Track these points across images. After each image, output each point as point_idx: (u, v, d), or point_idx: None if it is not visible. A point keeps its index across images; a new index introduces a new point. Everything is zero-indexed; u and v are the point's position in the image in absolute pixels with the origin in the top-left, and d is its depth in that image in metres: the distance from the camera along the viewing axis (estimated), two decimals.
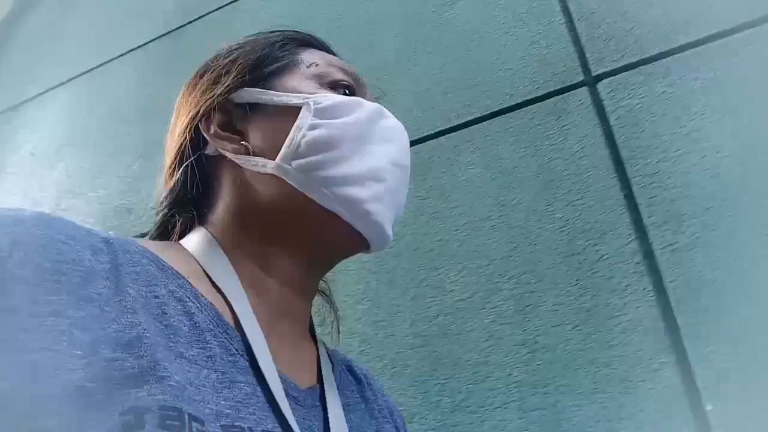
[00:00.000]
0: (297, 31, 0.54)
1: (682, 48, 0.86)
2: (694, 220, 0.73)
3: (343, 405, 0.46)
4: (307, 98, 0.46)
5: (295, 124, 0.46)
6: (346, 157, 0.46)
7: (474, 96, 1.01)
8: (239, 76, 0.49)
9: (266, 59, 0.49)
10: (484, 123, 0.96)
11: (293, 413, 0.39)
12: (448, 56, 1.08)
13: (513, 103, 0.95)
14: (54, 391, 0.29)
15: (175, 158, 0.51)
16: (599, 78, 0.91)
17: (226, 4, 1.56)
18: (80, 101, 1.73)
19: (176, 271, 0.41)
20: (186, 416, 0.32)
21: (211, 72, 0.50)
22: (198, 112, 0.49)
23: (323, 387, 0.47)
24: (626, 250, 0.75)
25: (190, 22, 1.63)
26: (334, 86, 0.49)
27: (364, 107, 0.48)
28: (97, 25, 1.93)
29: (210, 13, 1.59)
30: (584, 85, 0.92)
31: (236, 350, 0.40)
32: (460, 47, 1.08)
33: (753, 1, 0.83)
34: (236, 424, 0.35)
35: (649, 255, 0.74)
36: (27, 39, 2.19)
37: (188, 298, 0.40)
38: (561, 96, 0.92)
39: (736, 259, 0.69)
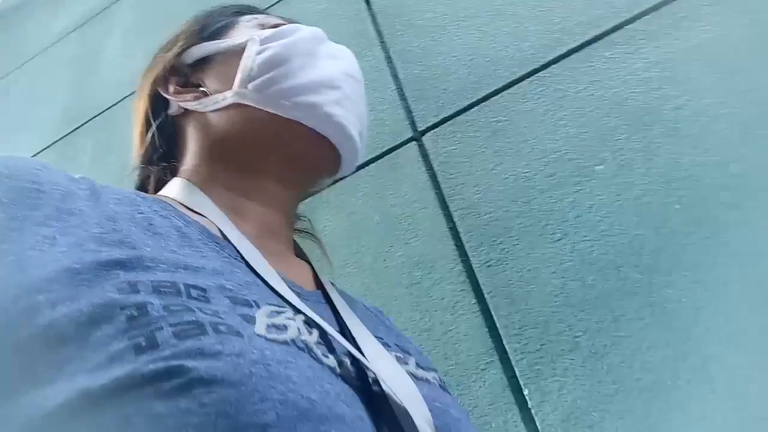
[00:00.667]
0: (234, 4, 0.59)
1: (482, 99, 1.02)
2: (503, 238, 0.86)
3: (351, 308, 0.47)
4: (251, 35, 0.50)
5: (244, 55, 0.49)
6: (298, 69, 0.48)
7: None
8: (187, 40, 0.53)
9: (209, 22, 0.54)
10: (335, 185, 1.07)
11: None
12: None
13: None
14: (42, 274, 0.29)
15: (143, 125, 0.54)
16: (424, 132, 1.05)
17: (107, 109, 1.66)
18: None
19: (158, 198, 0.43)
20: (182, 285, 0.32)
21: (164, 45, 0.55)
22: (155, 77, 0.53)
23: (326, 293, 0.48)
24: (453, 273, 0.87)
25: (76, 129, 1.71)
26: (275, 27, 0.53)
27: (305, 29, 0.52)
28: None
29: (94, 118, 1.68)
30: (413, 140, 1.06)
31: (229, 255, 0.40)
32: None
33: (531, 55, 1.01)
34: (242, 294, 0.35)
35: (470, 273, 0.86)
36: None
37: (173, 216, 0.40)
38: (395, 152, 1.06)
39: (535, 264, 0.82)
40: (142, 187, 0.56)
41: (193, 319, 0.30)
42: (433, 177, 0.99)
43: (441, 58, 1.10)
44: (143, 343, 0.27)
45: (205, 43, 0.52)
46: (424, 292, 0.88)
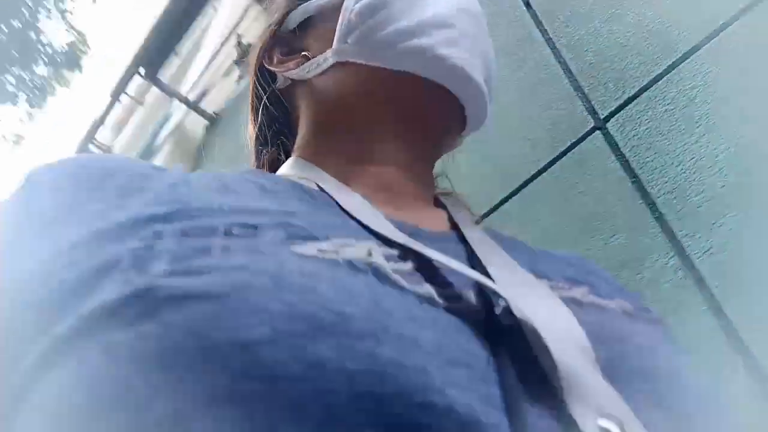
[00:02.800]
0: None
1: (668, 69, 0.88)
2: (723, 219, 0.72)
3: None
4: None
5: (342, 7, 0.44)
6: (400, 12, 0.42)
7: (503, 174, 1.08)
8: (287, 4, 0.49)
9: None
10: (514, 198, 1.02)
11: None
12: (471, 144, 1.18)
13: (537, 169, 1.01)
14: (69, 242, 0.27)
15: (252, 103, 0.52)
16: (607, 118, 0.95)
17: None
18: None
19: (253, 169, 0.40)
20: (221, 226, 0.28)
21: (270, 13, 0.52)
22: (258, 51, 0.50)
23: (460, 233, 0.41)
24: (668, 269, 0.75)
25: None
26: None
27: None
28: None
29: None
30: (596, 130, 0.96)
31: (322, 203, 0.36)
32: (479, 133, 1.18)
33: (718, 9, 0.85)
34: (310, 230, 0.30)
35: (689, 266, 0.73)
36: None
37: (261, 178, 0.37)
38: (578, 147, 0.97)
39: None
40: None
41: (204, 245, 0.26)
42: (626, 165, 0.88)
43: (613, 39, 0.99)
44: (131, 276, 0.24)
45: (304, 4, 0.48)
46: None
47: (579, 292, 0.37)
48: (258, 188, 0.35)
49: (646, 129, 0.88)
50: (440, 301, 0.28)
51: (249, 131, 0.52)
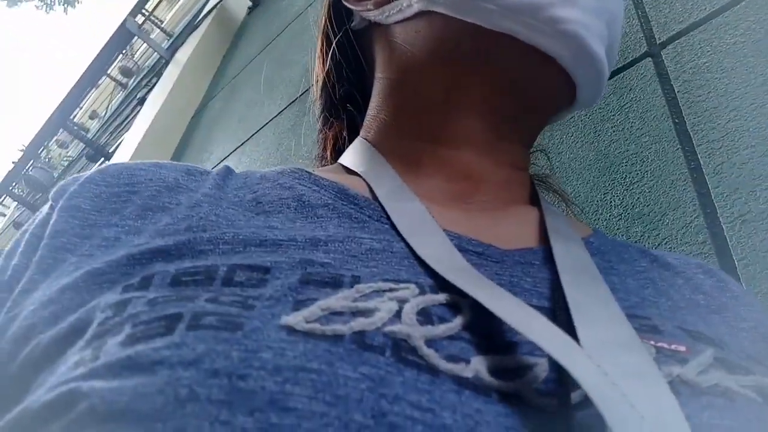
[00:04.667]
0: None
1: None
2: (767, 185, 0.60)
3: (600, 267, 0.31)
4: None
5: None
6: None
7: None
8: None
9: None
10: None
11: (475, 268, 0.27)
12: None
13: None
14: (63, 283, 0.26)
15: (323, 42, 0.45)
16: (664, 45, 0.80)
17: None
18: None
19: (297, 168, 0.35)
20: (223, 268, 0.25)
21: None
22: None
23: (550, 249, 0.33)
24: (691, 230, 0.64)
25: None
26: None
27: None
28: (243, 106, 2.22)
29: None
30: (648, 56, 0.81)
31: (369, 216, 0.31)
32: None
33: None
34: (336, 269, 0.26)
35: (716, 231, 0.62)
36: (208, 122, 2.60)
37: (301, 185, 0.33)
38: (622, 73, 0.83)
39: None
40: (323, 149, 0.48)
41: (175, 311, 0.22)
42: (672, 101, 0.74)
43: None
44: (86, 356, 0.21)
45: None
46: None
47: (700, 364, 0.25)
48: (295, 202, 0.31)
49: (706, 62, 0.73)
50: (493, 381, 0.22)
51: (316, 74, 0.46)
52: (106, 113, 5.65)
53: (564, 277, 0.28)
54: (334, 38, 0.43)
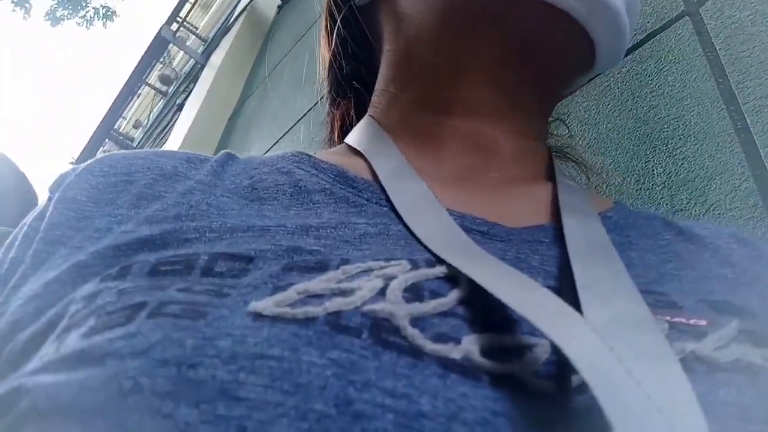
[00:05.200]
0: None
1: None
2: None
3: (617, 243, 0.29)
4: None
5: None
6: None
7: None
8: None
9: None
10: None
11: (478, 245, 0.26)
12: None
13: None
14: (50, 276, 0.25)
15: (326, 21, 0.44)
16: (702, 2, 0.76)
17: None
18: None
19: (297, 153, 0.35)
20: (204, 257, 0.24)
21: None
22: None
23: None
24: (740, 194, 0.60)
25: None
26: None
27: None
28: (277, 103, 2.24)
29: None
30: (685, 16, 0.77)
31: (367, 200, 0.30)
32: None
33: None
34: (326, 253, 0.24)
35: (766, 191, 0.58)
36: (244, 122, 2.64)
37: (300, 168, 0.32)
38: (659, 36, 0.79)
39: None
40: (330, 131, 0.49)
41: (140, 300, 0.21)
42: (714, 60, 0.70)
43: None
44: (50, 351, 0.21)
45: None
46: (692, 221, 0.63)
47: (720, 338, 0.23)
48: (291, 188, 0.30)
49: (750, 15, 0.69)
50: (485, 362, 0.20)
51: (321, 54, 0.45)
52: (148, 121, 5.81)
53: (573, 254, 0.26)
54: (339, 15, 0.42)
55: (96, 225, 0.27)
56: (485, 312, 0.22)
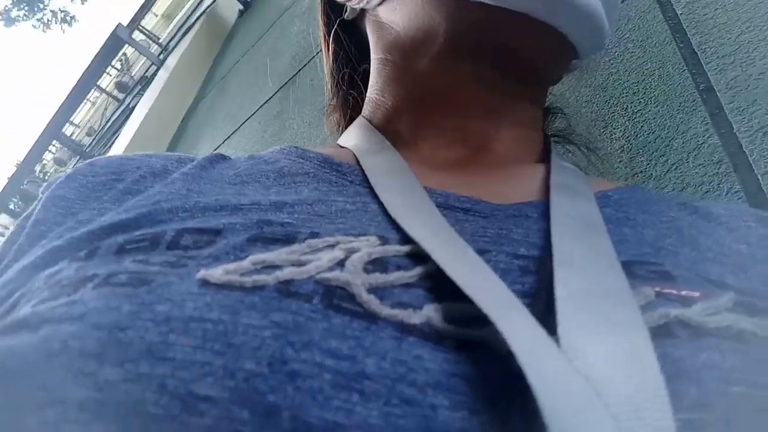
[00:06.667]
0: None
1: None
2: None
3: (612, 219, 0.29)
4: None
5: None
6: None
7: None
8: None
9: None
10: None
11: (454, 225, 0.25)
12: None
13: None
14: (26, 262, 0.26)
15: (323, 38, 0.46)
16: None
17: None
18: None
19: (288, 147, 0.35)
20: (171, 233, 0.24)
21: None
22: None
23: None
24: (702, 152, 0.56)
25: (299, 70, 1.73)
26: None
27: None
28: (231, 103, 2.17)
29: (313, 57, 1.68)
30: None
31: (350, 181, 0.30)
32: None
33: None
34: (298, 227, 0.24)
35: (734, 150, 0.54)
36: (197, 123, 2.55)
37: (287, 158, 0.32)
38: (623, 4, 0.76)
39: None
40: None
41: (93, 272, 0.21)
42: (676, 25, 0.67)
43: None
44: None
45: None
46: (658, 184, 0.59)
47: (711, 306, 0.22)
48: (275, 173, 0.30)
49: None
50: (449, 328, 0.20)
51: (326, 68, 0.47)
52: (101, 125, 5.63)
53: (555, 226, 0.26)
54: (331, 29, 0.44)
55: (79, 218, 0.27)
56: (452, 288, 0.20)
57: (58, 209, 0.28)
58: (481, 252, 0.23)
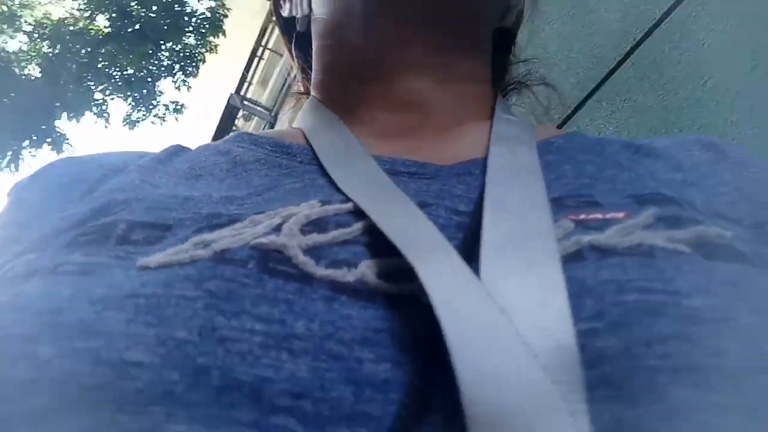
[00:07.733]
0: None
1: None
2: None
3: (551, 162, 0.30)
4: None
5: None
6: None
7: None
8: None
9: None
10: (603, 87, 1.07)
11: (400, 186, 0.26)
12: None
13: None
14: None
15: (290, 52, 0.47)
16: None
17: None
18: None
19: (241, 134, 0.35)
20: (123, 226, 0.24)
21: None
22: None
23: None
24: None
25: None
26: None
27: None
28: None
29: None
30: None
31: (300, 162, 0.31)
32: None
33: None
34: (247, 210, 0.25)
35: None
36: None
37: (240, 146, 0.33)
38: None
39: None
40: None
41: (39, 266, 0.23)
42: None
43: None
44: None
45: None
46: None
47: (625, 227, 0.23)
48: (228, 165, 0.31)
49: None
50: (381, 283, 0.21)
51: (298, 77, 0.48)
52: None
53: (489, 178, 0.27)
54: (291, 42, 0.45)
55: (43, 221, 0.27)
56: (390, 242, 0.21)
57: (20, 212, 0.29)
58: (421, 205, 0.24)
